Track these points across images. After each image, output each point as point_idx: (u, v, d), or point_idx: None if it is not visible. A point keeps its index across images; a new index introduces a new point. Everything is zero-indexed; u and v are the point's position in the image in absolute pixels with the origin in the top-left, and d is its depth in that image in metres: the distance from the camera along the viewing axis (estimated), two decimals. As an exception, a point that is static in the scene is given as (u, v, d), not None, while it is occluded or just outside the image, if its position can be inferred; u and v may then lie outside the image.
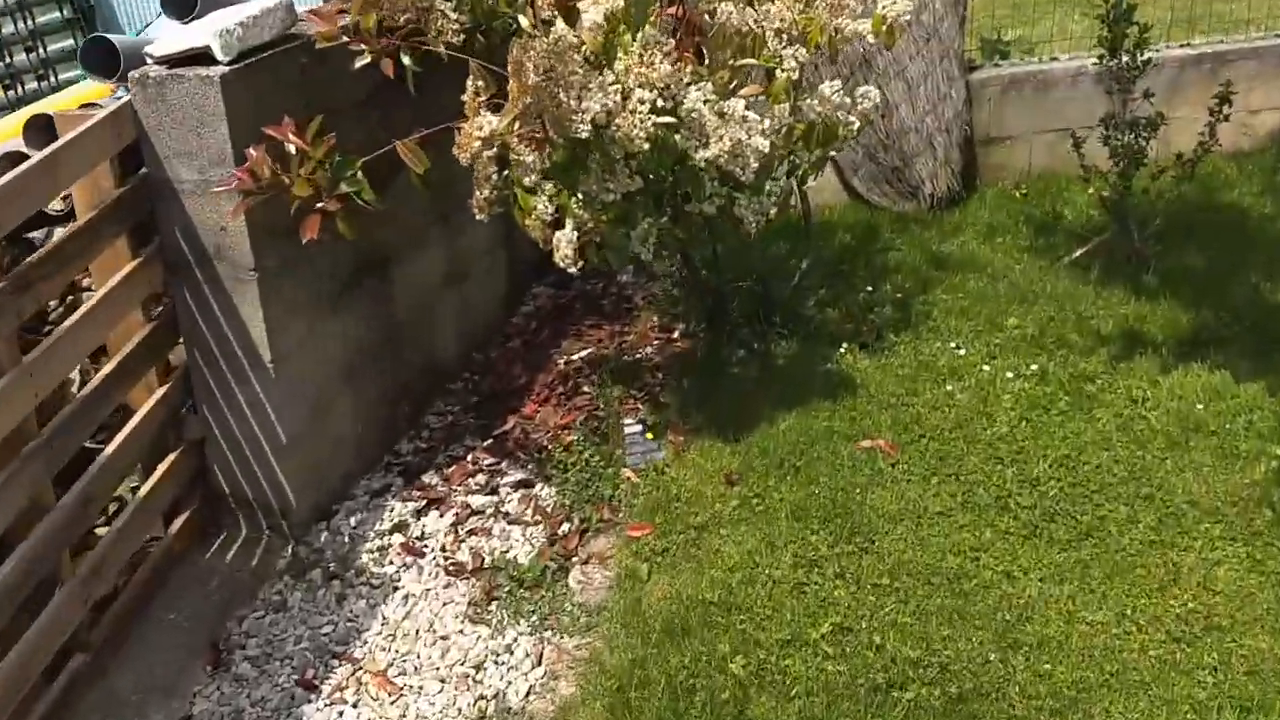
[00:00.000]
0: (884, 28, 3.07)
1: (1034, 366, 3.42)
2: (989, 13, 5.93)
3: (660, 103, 2.52)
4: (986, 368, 3.44)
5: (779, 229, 3.82)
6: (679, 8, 2.93)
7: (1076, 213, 4.46)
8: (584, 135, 2.38)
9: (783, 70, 2.98)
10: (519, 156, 2.52)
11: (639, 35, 2.56)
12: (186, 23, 2.89)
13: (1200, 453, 2.99)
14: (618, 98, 2.52)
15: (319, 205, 2.47)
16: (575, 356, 3.82)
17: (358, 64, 2.69)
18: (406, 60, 2.68)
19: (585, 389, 3.59)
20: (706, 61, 2.90)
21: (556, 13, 2.37)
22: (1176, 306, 3.71)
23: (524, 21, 2.58)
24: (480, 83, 2.61)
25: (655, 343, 3.90)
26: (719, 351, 3.71)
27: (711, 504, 2.92)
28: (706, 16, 2.95)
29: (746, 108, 2.76)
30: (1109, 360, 3.45)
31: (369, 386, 3.21)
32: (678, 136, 2.66)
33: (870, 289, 4.02)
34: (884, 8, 3.05)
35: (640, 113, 2.48)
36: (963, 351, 3.54)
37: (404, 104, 2.81)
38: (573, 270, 2.85)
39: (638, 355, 3.81)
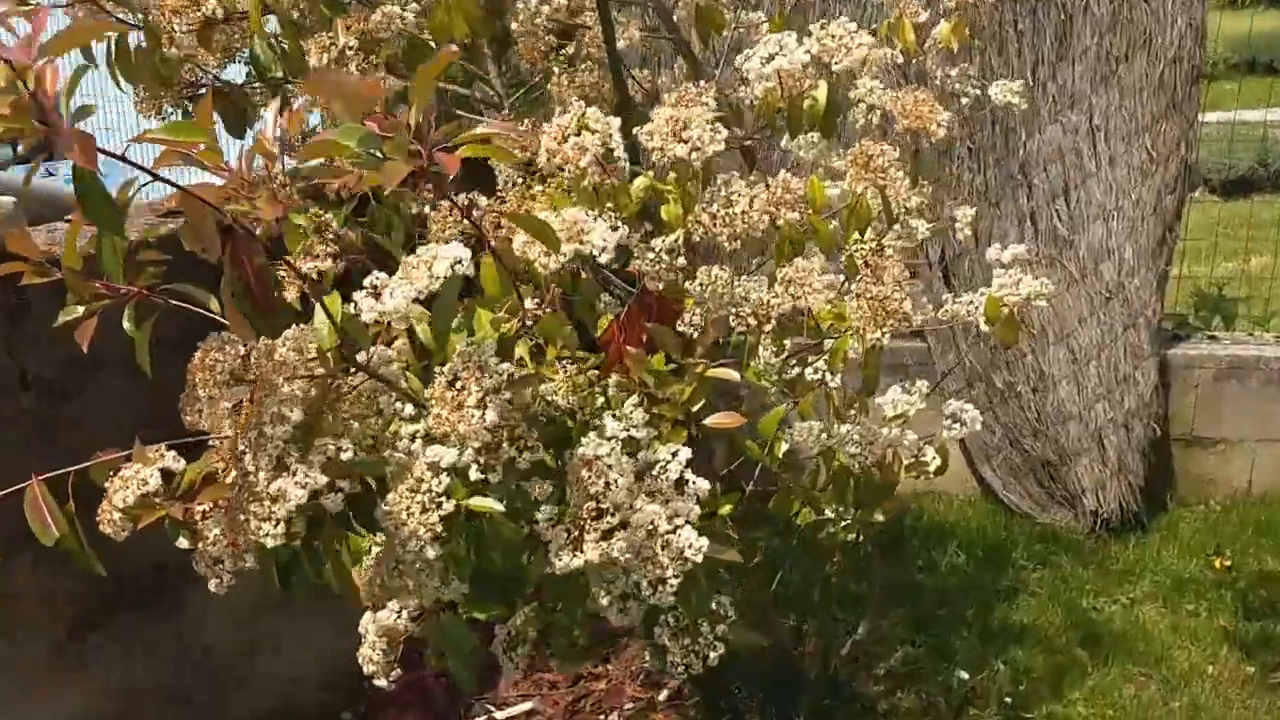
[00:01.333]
0: (1002, 315, 1.82)
1: None
2: (1208, 235, 4.47)
3: (476, 471, 1.34)
4: None
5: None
6: (634, 263, 1.78)
7: (1317, 584, 2.94)
8: (270, 544, 1.23)
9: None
10: (197, 541, 1.38)
11: (476, 337, 1.41)
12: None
13: None
14: (416, 444, 1.36)
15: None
16: (502, 715, 2.61)
17: (61, 319, 1.66)
18: (128, 325, 1.63)
19: (484, 792, 2.36)
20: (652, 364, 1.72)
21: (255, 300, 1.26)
22: None
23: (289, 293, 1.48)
24: (230, 377, 1.51)
25: (629, 706, 2.64)
26: (708, 753, 2.43)
27: None
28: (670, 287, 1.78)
29: (691, 464, 1.54)
30: None
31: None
32: (542, 513, 1.45)
33: (971, 672, 2.64)
34: (1002, 289, 1.81)
35: (431, 491, 1.31)
36: None
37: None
38: (381, 683, 1.68)
39: (593, 730, 2.56)
